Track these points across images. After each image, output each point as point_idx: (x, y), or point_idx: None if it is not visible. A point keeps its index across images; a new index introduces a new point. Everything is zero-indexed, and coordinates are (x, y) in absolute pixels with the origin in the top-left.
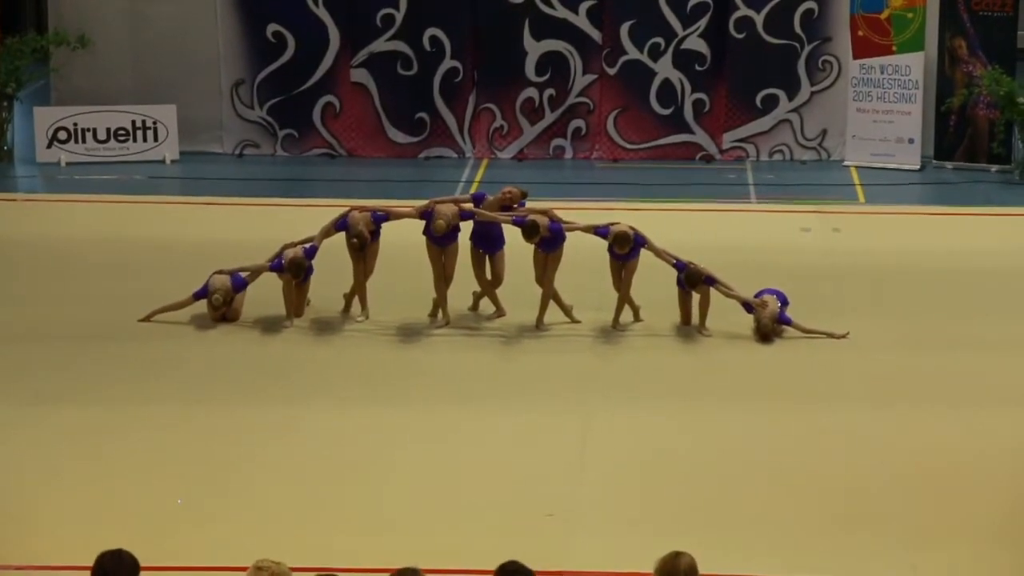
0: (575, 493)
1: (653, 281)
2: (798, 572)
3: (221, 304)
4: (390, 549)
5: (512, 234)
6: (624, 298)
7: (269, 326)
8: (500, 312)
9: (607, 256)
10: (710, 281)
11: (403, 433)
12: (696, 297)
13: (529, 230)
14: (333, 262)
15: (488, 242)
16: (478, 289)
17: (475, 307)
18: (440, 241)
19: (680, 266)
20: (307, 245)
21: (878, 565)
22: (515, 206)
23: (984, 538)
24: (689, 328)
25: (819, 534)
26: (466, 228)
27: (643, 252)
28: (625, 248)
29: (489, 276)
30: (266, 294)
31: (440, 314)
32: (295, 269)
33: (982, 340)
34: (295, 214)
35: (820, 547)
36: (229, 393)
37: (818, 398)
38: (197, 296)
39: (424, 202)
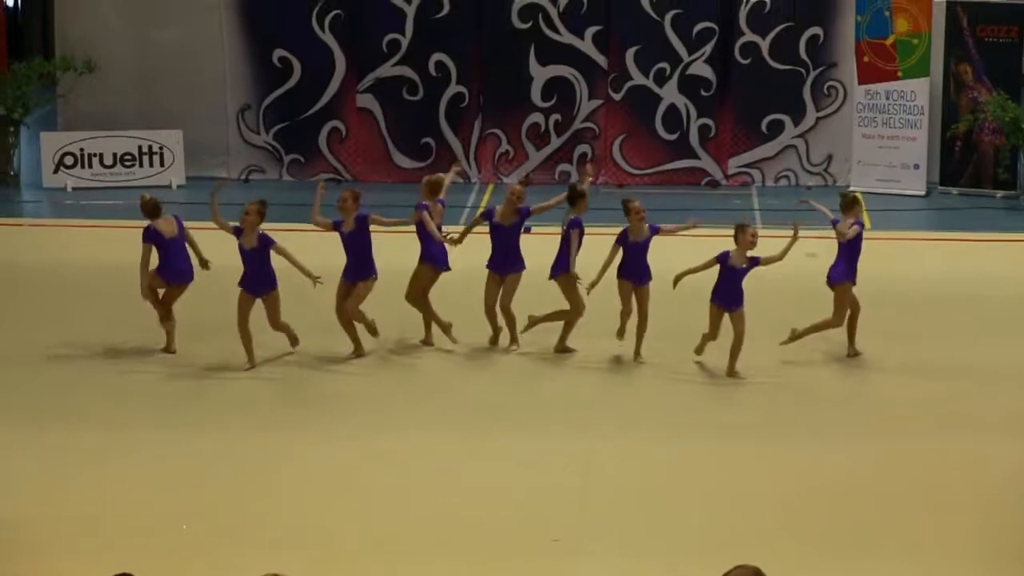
0: (580, 518)
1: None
2: None
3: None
4: (396, 573)
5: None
6: (642, 329)
7: (270, 354)
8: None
9: (615, 283)
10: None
11: (408, 458)
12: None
13: (575, 195)
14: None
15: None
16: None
17: (527, 329)
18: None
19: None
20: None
21: None
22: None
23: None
24: (710, 347)
25: (821, 561)
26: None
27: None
28: (638, 218)
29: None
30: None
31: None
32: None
33: (988, 366)
34: (301, 239)
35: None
36: (236, 418)
37: (823, 426)
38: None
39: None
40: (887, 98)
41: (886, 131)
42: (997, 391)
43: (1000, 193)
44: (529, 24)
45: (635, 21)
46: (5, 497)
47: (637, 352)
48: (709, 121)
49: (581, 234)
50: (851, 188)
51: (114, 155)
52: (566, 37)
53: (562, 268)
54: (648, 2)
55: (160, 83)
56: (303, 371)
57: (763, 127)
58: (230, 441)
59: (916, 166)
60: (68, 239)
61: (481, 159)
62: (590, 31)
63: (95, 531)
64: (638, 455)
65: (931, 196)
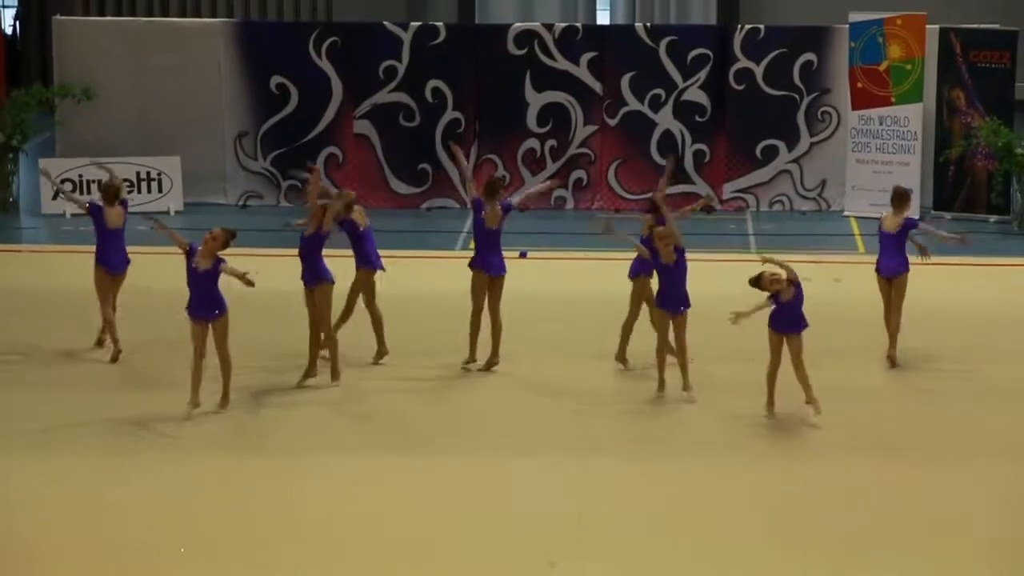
0: (577, 540)
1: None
2: None
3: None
4: None
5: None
6: (683, 360)
7: (269, 377)
8: None
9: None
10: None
11: (404, 479)
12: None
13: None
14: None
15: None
16: None
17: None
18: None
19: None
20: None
21: None
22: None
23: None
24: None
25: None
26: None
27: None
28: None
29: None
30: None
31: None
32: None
33: (981, 389)
34: (297, 265)
35: None
36: (234, 442)
37: (821, 447)
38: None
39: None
40: (881, 123)
41: (880, 156)
42: (990, 411)
43: (993, 218)
44: (524, 50)
45: (630, 47)
46: (12, 519)
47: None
48: (704, 146)
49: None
50: (845, 213)
51: None
52: (561, 63)
53: (639, 271)
54: (643, 28)
55: (158, 110)
56: (301, 394)
57: (757, 152)
58: (229, 463)
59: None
60: (65, 265)
61: (478, 184)
62: (585, 57)
63: (94, 554)
64: (632, 476)
65: (925, 221)
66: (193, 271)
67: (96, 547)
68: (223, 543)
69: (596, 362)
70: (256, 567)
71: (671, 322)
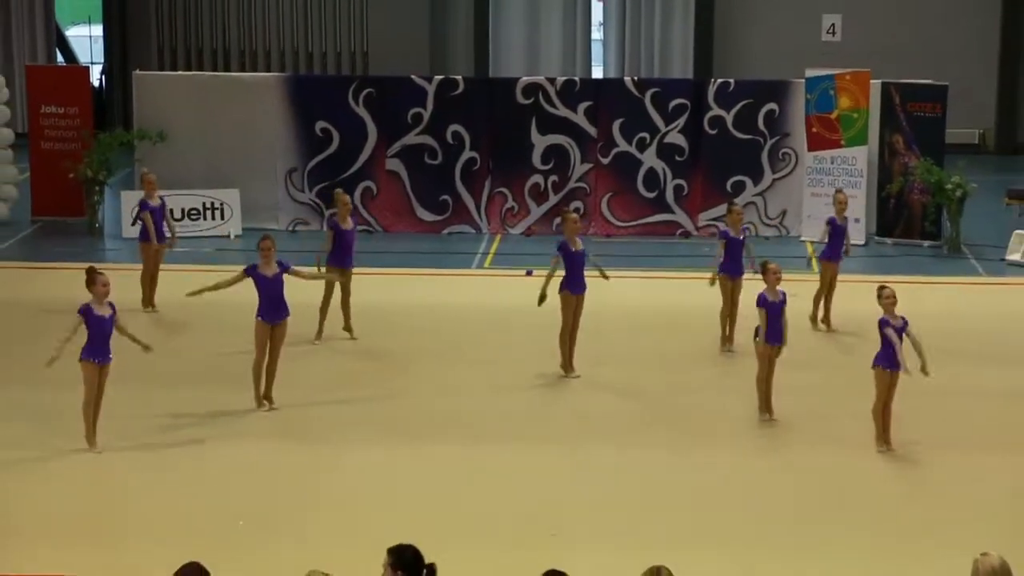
0: (575, 516)
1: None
2: None
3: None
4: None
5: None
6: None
7: (303, 369)
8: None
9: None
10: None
11: (430, 467)
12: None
13: None
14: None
15: None
16: None
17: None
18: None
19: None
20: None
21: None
22: None
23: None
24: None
25: (782, 552)
26: None
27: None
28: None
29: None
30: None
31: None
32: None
33: (916, 389)
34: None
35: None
36: (283, 432)
37: (795, 439)
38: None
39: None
40: (832, 163)
41: (831, 190)
42: (928, 409)
43: (927, 243)
44: (531, 100)
45: (620, 97)
46: (124, 498)
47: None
48: (682, 181)
49: None
50: (802, 239)
51: (182, 210)
52: (562, 111)
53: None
54: (631, 81)
55: (221, 150)
56: (336, 391)
57: (728, 187)
58: (279, 452)
59: (856, 220)
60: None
61: (490, 213)
62: (582, 105)
63: (164, 529)
64: (622, 462)
65: (869, 245)
66: (264, 279)
67: (163, 521)
68: (274, 518)
69: (590, 368)
70: (297, 541)
71: (772, 353)
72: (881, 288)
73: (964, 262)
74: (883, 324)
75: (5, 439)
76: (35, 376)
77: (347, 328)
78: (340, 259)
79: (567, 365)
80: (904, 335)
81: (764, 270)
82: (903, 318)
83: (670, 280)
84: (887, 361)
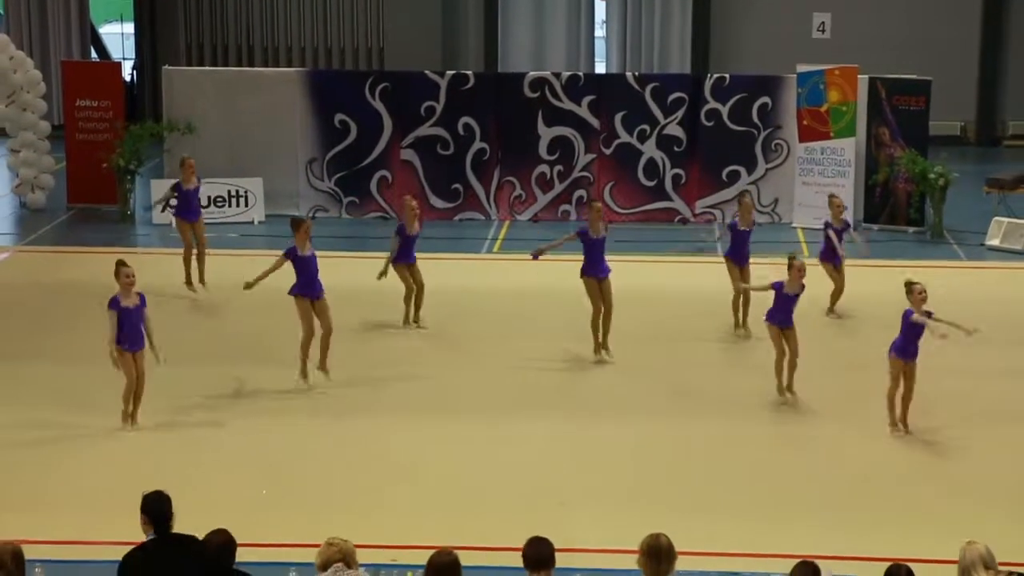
0: (581, 486)
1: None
2: (760, 549)
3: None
4: (434, 531)
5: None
6: (792, 366)
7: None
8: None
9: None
10: None
11: (441, 439)
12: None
13: None
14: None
15: None
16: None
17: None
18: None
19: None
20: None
21: (836, 545)
22: None
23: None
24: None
25: (783, 520)
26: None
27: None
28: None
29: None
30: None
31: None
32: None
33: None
34: (356, 264)
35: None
36: (305, 407)
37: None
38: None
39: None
40: (822, 153)
41: (821, 180)
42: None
43: (911, 229)
44: (537, 94)
45: (622, 91)
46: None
47: (789, 387)
48: (681, 171)
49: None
50: (793, 225)
51: (208, 197)
52: (567, 104)
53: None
54: (632, 76)
55: (245, 141)
56: (354, 370)
57: (723, 176)
58: (303, 426)
59: (845, 207)
60: (171, 266)
61: (499, 201)
62: (586, 99)
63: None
64: (626, 435)
65: (857, 231)
66: (302, 259)
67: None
68: (299, 488)
69: (576, 344)
70: (324, 507)
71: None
72: (912, 283)
73: (946, 247)
74: (907, 315)
75: (43, 419)
76: (71, 356)
77: (414, 320)
78: (406, 256)
79: (598, 347)
80: (931, 320)
81: (790, 265)
82: (928, 312)
83: (668, 265)
84: (902, 351)
